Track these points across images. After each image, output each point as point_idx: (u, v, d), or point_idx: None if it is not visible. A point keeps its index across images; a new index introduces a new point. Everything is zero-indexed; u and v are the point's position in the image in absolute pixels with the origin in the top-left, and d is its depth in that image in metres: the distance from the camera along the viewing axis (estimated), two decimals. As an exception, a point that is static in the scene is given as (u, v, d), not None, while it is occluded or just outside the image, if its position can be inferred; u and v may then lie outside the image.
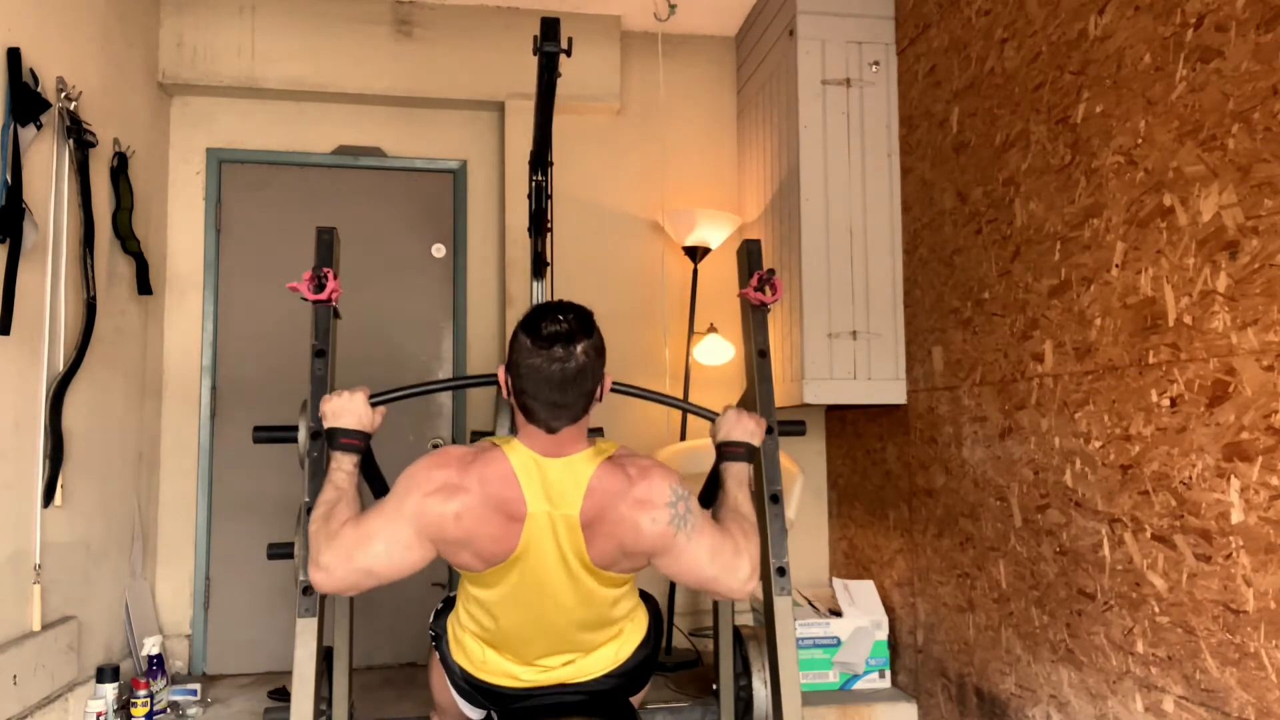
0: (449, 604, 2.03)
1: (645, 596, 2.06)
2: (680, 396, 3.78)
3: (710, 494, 2.05)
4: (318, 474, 1.92)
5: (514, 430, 1.82)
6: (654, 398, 2.20)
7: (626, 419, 3.85)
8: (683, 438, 3.77)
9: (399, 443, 3.80)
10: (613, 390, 1.81)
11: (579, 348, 1.66)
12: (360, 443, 1.87)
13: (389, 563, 1.69)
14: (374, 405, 1.91)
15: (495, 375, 1.83)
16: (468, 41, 3.87)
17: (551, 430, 1.70)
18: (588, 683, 1.90)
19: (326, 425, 1.87)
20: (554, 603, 1.79)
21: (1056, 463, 2.42)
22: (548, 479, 1.71)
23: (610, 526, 1.72)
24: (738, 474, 1.95)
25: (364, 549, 1.68)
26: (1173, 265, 2.02)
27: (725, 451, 1.98)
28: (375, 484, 2.05)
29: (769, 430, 2.08)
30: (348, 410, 1.86)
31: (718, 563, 1.76)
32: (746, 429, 1.98)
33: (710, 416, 2.09)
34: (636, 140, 4.10)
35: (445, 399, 3.90)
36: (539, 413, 1.68)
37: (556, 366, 1.64)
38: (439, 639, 2.00)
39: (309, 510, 1.96)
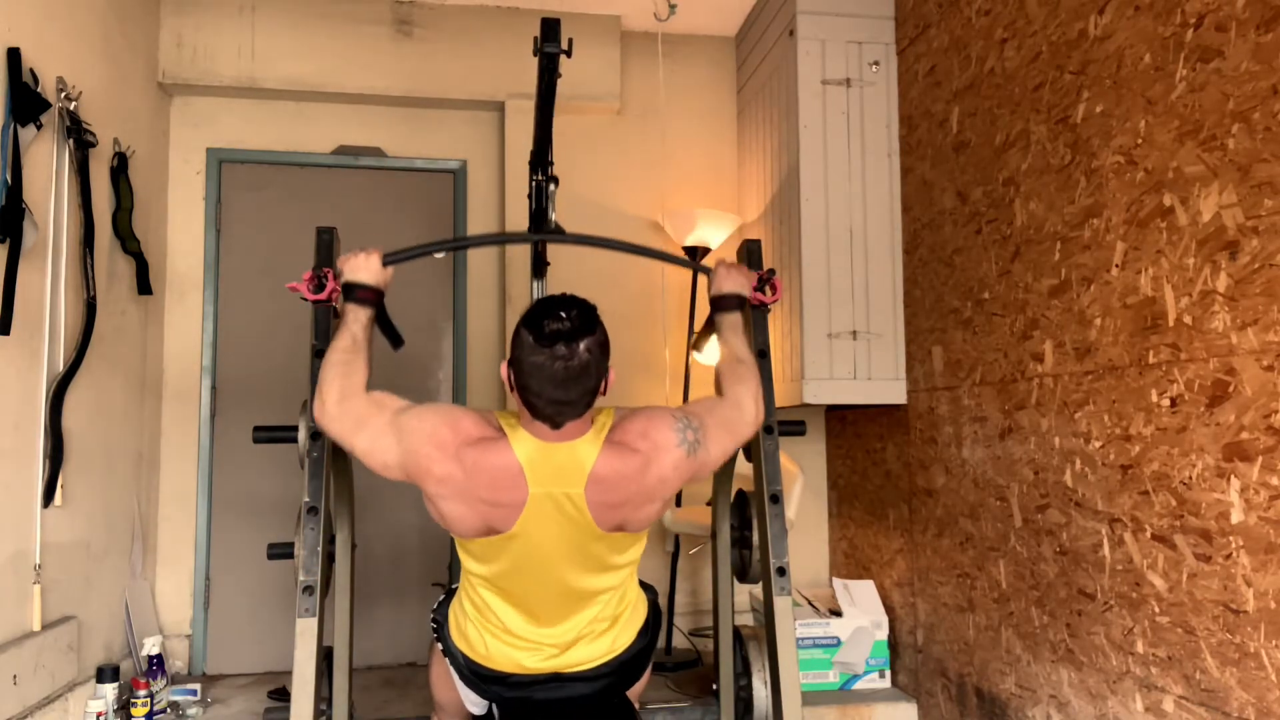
0: (450, 595, 2.05)
1: (645, 587, 2.07)
2: (681, 396, 3.79)
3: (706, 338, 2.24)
4: (317, 474, 1.92)
5: None
6: (640, 251, 2.33)
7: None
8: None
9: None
10: (589, 243, 1.86)
11: (582, 345, 1.66)
12: (374, 297, 1.97)
13: (364, 454, 1.79)
14: (386, 265, 2.00)
15: (515, 234, 1.87)
16: (468, 41, 3.87)
17: (556, 426, 1.72)
18: (586, 670, 1.91)
19: (344, 280, 1.96)
20: (556, 570, 1.82)
21: (1056, 463, 2.42)
22: (552, 462, 1.74)
23: (638, 497, 1.78)
24: (732, 323, 2.11)
25: (355, 430, 1.79)
26: (1173, 265, 2.02)
27: (719, 303, 2.14)
28: (390, 334, 2.14)
29: (769, 430, 2.10)
30: (364, 267, 1.96)
31: (732, 432, 1.91)
32: (736, 281, 2.14)
33: (705, 270, 2.23)
34: (636, 140, 4.09)
35: (445, 393, 3.90)
36: (543, 410, 1.70)
37: (560, 365, 1.64)
38: (441, 627, 2.01)
39: (309, 510, 1.96)
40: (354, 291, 1.95)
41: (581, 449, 1.75)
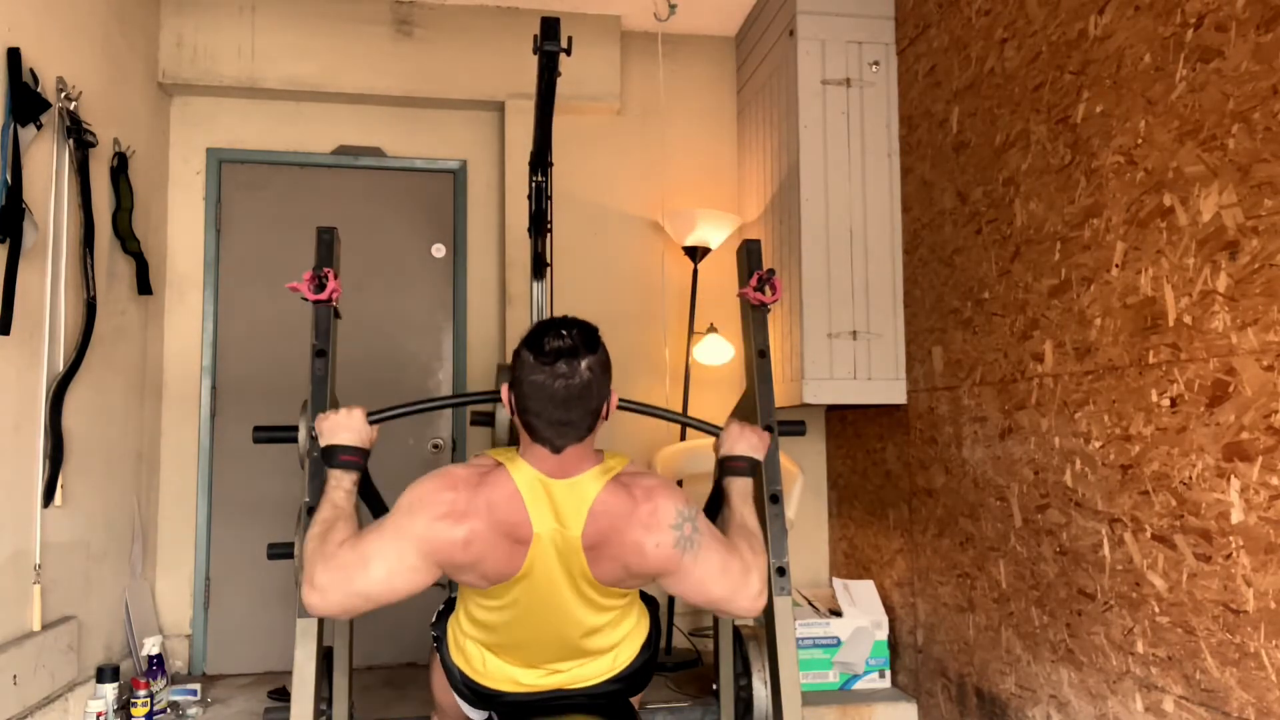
0: (450, 605, 2.03)
1: (645, 598, 2.06)
2: (681, 396, 3.79)
3: (714, 507, 2.04)
4: (318, 474, 1.92)
5: (513, 431, 1.82)
6: (657, 413, 2.17)
7: (627, 422, 3.84)
8: (683, 439, 3.77)
9: (399, 445, 3.80)
10: (619, 408, 1.79)
11: (583, 363, 1.62)
12: (359, 460, 1.82)
13: (389, 587, 1.64)
14: (371, 423, 1.87)
15: (496, 393, 1.80)
16: (468, 41, 3.87)
17: (557, 450, 1.66)
18: (587, 688, 1.91)
19: (324, 443, 1.81)
20: (558, 616, 1.79)
21: (1056, 463, 2.42)
22: (554, 499, 1.68)
23: (615, 549, 1.70)
24: (742, 489, 1.93)
25: (363, 572, 1.62)
26: (1173, 265, 2.02)
27: (729, 466, 1.96)
28: (373, 503, 2.01)
29: (769, 430, 2.09)
30: (345, 426, 1.81)
31: (727, 581, 1.74)
32: (750, 443, 1.96)
33: (714, 431, 2.06)
34: (636, 140, 4.10)
35: (445, 393, 3.89)
36: (543, 431, 1.64)
37: (560, 383, 1.60)
38: (440, 640, 2.00)
39: (309, 511, 1.96)
40: (335, 455, 1.79)
41: (585, 484, 1.70)
